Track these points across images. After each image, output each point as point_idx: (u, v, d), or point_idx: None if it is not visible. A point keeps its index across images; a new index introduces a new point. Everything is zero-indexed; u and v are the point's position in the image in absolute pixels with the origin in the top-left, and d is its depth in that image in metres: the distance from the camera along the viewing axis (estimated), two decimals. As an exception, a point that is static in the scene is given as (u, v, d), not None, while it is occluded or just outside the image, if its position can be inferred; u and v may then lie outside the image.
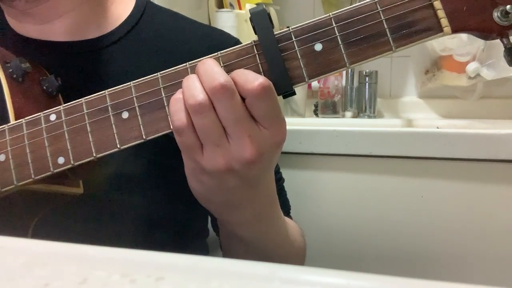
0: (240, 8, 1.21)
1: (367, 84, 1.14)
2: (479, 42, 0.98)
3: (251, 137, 0.36)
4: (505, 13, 0.36)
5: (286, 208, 0.62)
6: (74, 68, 0.52)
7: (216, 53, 0.39)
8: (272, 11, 1.23)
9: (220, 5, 1.19)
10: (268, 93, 0.36)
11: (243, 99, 0.36)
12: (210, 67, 0.37)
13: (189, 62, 0.39)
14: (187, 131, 0.37)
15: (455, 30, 0.37)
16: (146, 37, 0.55)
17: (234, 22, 1.10)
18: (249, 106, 0.36)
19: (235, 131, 0.36)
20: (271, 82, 0.36)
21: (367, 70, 1.14)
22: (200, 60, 0.39)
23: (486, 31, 0.37)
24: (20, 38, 0.53)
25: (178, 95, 0.37)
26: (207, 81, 0.36)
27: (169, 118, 0.38)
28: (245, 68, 0.38)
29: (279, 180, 0.62)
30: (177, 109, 0.37)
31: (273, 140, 0.38)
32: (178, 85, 0.38)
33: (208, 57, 0.39)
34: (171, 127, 0.38)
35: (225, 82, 0.35)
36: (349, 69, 1.16)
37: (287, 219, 0.57)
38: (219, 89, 0.35)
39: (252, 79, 0.36)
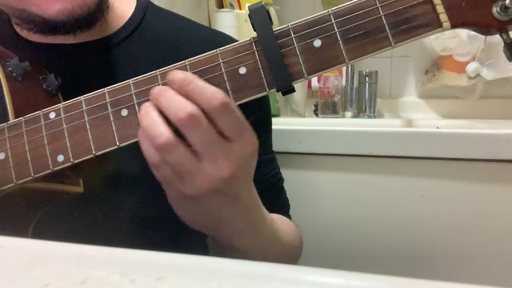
0: (240, 8, 1.21)
1: (367, 84, 1.14)
2: (479, 42, 0.98)
3: (225, 154, 0.36)
4: (505, 8, 0.36)
5: (285, 207, 0.62)
6: (77, 70, 0.52)
7: (215, 50, 0.39)
8: (272, 11, 1.22)
9: (220, 5, 1.19)
10: (228, 108, 0.35)
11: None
12: (171, 97, 0.36)
13: (188, 60, 0.39)
14: (162, 166, 0.36)
15: (454, 25, 0.37)
16: (149, 38, 0.55)
17: (234, 22, 1.10)
18: (213, 122, 0.36)
19: (208, 154, 0.36)
20: (228, 97, 0.36)
21: (367, 70, 1.14)
22: (201, 56, 0.39)
23: (485, 26, 0.37)
24: (23, 39, 0.54)
25: (143, 131, 0.36)
26: (172, 113, 0.35)
27: None
28: (243, 66, 0.38)
29: (279, 180, 0.62)
30: (146, 147, 0.36)
31: (245, 151, 0.37)
32: None
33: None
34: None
35: (191, 112, 0.35)
36: (349, 69, 1.16)
37: (282, 217, 0.57)
38: (186, 120, 0.35)
39: (209, 97, 0.35)
